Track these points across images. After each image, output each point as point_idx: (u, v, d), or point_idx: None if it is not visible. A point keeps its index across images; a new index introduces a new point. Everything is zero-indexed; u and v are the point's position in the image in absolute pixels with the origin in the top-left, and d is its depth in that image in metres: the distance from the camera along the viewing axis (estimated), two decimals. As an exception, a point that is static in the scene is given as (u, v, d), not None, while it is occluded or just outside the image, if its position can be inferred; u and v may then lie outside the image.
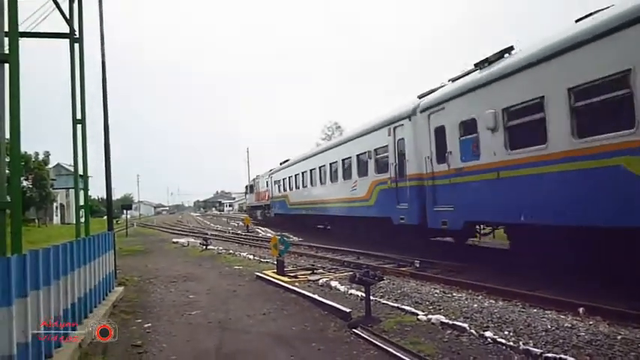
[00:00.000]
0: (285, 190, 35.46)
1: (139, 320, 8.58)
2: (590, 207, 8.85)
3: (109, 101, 13.69)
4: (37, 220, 58.13)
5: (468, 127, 12.40)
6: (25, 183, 50.43)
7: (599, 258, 9.20)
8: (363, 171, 19.93)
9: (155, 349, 6.81)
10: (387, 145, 17.35)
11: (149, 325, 8.21)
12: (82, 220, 12.70)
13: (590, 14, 9.19)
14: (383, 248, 17.32)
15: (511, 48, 11.65)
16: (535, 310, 7.95)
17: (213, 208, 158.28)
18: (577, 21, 9.58)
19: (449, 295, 9.41)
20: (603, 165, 8.43)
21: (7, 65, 7.19)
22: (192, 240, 28.68)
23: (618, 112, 8.31)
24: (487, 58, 12.08)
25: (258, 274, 13.04)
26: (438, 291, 9.94)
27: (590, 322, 7.07)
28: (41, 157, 56.89)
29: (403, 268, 13.48)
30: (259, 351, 6.67)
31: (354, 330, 7.17)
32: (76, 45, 12.10)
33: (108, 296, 10.05)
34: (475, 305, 8.38)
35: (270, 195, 41.44)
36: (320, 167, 26.38)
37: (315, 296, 9.52)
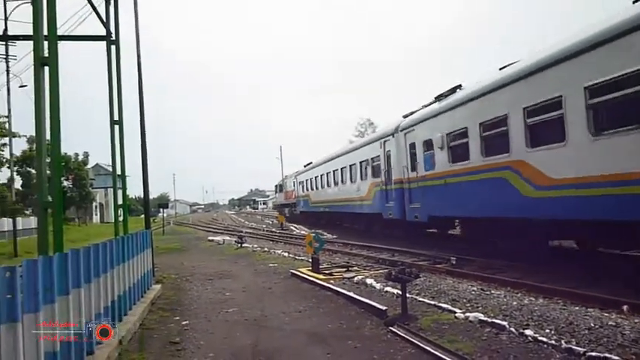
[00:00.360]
0: (307, 190, 40.04)
1: (177, 317, 8.70)
2: (494, 204, 12.83)
3: (145, 102, 13.90)
4: (77, 219, 59.70)
5: (428, 145, 16.49)
6: (65, 183, 51.82)
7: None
8: (364, 175, 24.12)
9: (193, 346, 6.89)
10: (379, 155, 21.57)
11: (186, 322, 8.32)
12: (121, 218, 12.95)
13: (510, 64, 12.60)
14: (417, 246, 17.18)
15: (459, 86, 15.44)
16: (577, 308, 7.74)
17: (248, 206, 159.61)
18: (500, 69, 12.90)
19: (487, 293, 9.26)
20: (499, 176, 12.33)
21: (47, 68, 7.36)
22: (228, 238, 28.98)
23: (502, 142, 12.19)
24: (442, 93, 16.05)
25: (293, 271, 13.07)
26: (475, 288, 9.78)
27: (636, 320, 6.84)
28: (81, 157, 58.41)
29: (439, 265, 13.33)
30: (295, 348, 6.67)
31: (390, 328, 7.11)
32: (113, 47, 12.32)
33: (146, 294, 10.22)
34: (514, 303, 8.22)
35: (296, 194, 45.81)
36: (333, 171, 30.76)
37: (351, 294, 9.48)
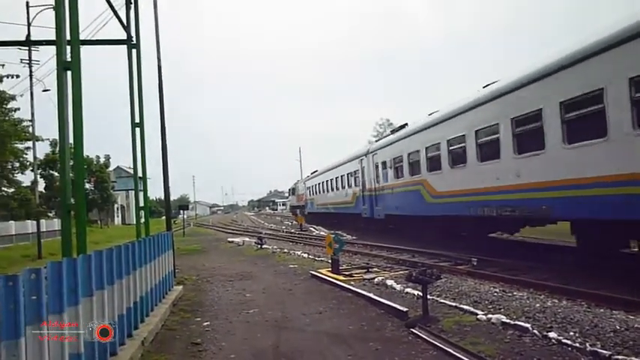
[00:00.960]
0: (313, 194, 47.65)
1: (198, 318, 8.75)
2: (414, 206, 19.83)
3: (166, 103, 14.04)
4: (99, 221, 60.43)
5: (384, 165, 23.84)
6: (87, 186, 52.52)
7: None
8: (349, 184, 31.39)
9: (214, 347, 6.92)
10: (357, 170, 28.99)
11: (207, 323, 8.36)
12: (142, 220, 13.08)
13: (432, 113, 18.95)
14: (437, 246, 17.07)
15: (406, 124, 22.31)
16: (602, 310, 7.61)
17: (267, 208, 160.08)
18: (429, 114, 19.15)
19: (509, 294, 9.15)
20: (416, 189, 19.27)
21: (69, 72, 7.46)
22: (247, 239, 29.09)
23: (417, 167, 19.34)
24: (394, 128, 24.60)
25: (312, 272, 13.08)
26: (497, 290, 9.67)
27: (663, 323, 6.70)
28: (102, 160, 59.12)
29: (460, 267, 13.22)
30: (316, 350, 6.66)
31: (411, 329, 7.07)
32: (134, 51, 12.46)
33: (168, 295, 10.29)
34: (537, 305, 8.11)
35: (305, 197, 52.93)
36: (330, 180, 38.04)
37: (371, 295, 9.44)
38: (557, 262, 12.24)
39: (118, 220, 74.71)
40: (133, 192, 13.70)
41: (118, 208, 74.58)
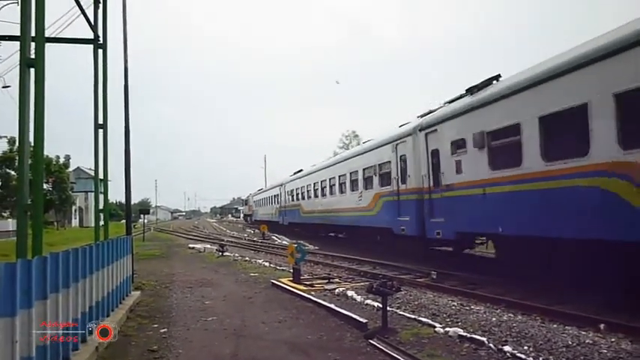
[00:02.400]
0: (255, 207, 65.71)
1: (156, 325, 8.60)
2: (296, 217, 36.60)
3: (130, 107, 13.84)
4: (55, 223, 58.84)
5: (288, 193, 37.06)
6: (45, 186, 51.13)
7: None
8: (274, 202, 44.71)
9: (171, 355, 6.81)
10: (279, 194, 39.83)
11: (165, 330, 8.23)
12: (101, 223, 12.81)
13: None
14: (400, 259, 17.22)
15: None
16: (555, 326, 7.81)
17: (230, 215, 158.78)
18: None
19: (467, 308, 9.30)
20: (296, 208, 36.06)
21: (32, 70, 7.29)
22: (209, 246, 28.82)
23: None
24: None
25: (274, 281, 13.02)
26: (455, 303, 9.82)
27: (612, 339, 6.91)
28: (62, 160, 57.69)
29: (420, 280, 13.37)
30: (275, 358, 6.64)
31: (370, 341, 7.11)
32: (100, 51, 12.25)
33: (125, 300, 10.10)
34: (493, 319, 8.27)
35: (252, 208, 70.01)
36: (266, 198, 53.02)
37: (332, 305, 9.47)
38: (518, 277, 12.46)
39: (75, 222, 72.86)
40: (93, 194, 13.41)
41: (76, 210, 72.76)
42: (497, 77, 12.80)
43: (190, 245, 30.21)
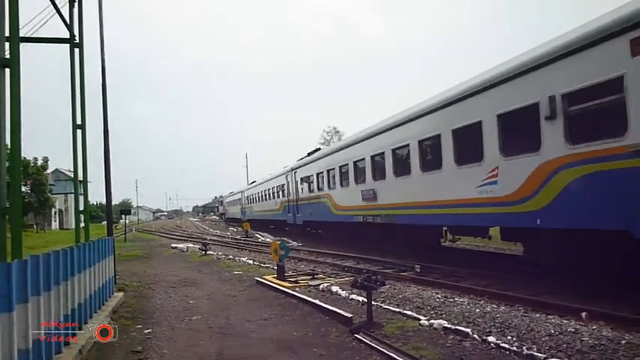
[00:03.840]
0: (229, 207, 76.36)
1: (139, 326, 8.53)
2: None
3: (109, 107, 13.66)
4: (35, 226, 58.00)
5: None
6: (23, 188, 50.36)
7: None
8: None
9: (156, 355, 6.77)
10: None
11: (149, 330, 8.16)
12: (82, 225, 12.65)
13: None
14: (383, 254, 17.30)
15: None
16: (538, 315, 7.92)
17: (212, 213, 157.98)
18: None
19: (451, 300, 9.37)
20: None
21: (7, 70, 7.17)
22: (192, 245, 28.64)
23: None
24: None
25: (258, 279, 13.00)
26: (439, 296, 9.89)
27: (594, 327, 7.02)
28: (40, 162, 56.83)
29: (404, 273, 13.44)
30: (261, 356, 6.62)
31: (356, 335, 7.13)
32: (77, 50, 12.08)
33: (107, 302, 10.00)
34: (477, 310, 8.35)
35: (225, 208, 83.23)
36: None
37: (316, 301, 9.48)
38: (500, 269, 12.60)
39: (55, 224, 71.84)
40: (73, 196, 13.23)
41: (55, 212, 71.74)
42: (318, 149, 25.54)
43: (173, 245, 30.00)
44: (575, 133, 8.99)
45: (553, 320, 7.49)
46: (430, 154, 14.29)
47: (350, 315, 8.02)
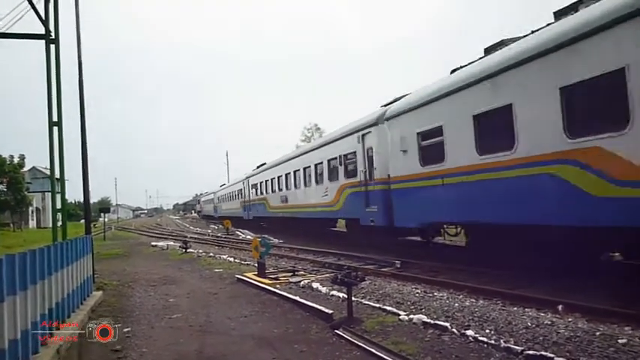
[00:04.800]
0: (207, 205, 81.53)
1: (119, 324, 8.41)
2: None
3: (86, 104, 13.48)
4: (12, 225, 57.13)
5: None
6: (-1, 187, 49.59)
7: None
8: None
9: (135, 354, 6.72)
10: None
11: (128, 329, 8.10)
12: (59, 223, 12.48)
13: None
14: (363, 249, 17.36)
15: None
16: (515, 309, 8.01)
17: (193, 211, 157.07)
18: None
19: (430, 295, 9.45)
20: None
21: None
22: (172, 243, 28.46)
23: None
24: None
25: (238, 276, 12.97)
26: (419, 291, 9.96)
27: (570, 319, 7.13)
28: (16, 160, 55.91)
29: (384, 269, 13.50)
30: (241, 354, 6.62)
31: (336, 331, 7.16)
32: (53, 46, 11.90)
33: (86, 301, 9.90)
34: (456, 304, 8.43)
35: (201, 206, 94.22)
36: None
37: (297, 298, 9.50)
38: (477, 263, 12.72)
39: (32, 223, 70.78)
40: (50, 194, 13.04)
41: (32, 211, 70.67)
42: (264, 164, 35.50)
43: (153, 243, 29.77)
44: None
45: (530, 313, 7.59)
46: (305, 176, 25.12)
47: (330, 311, 8.06)
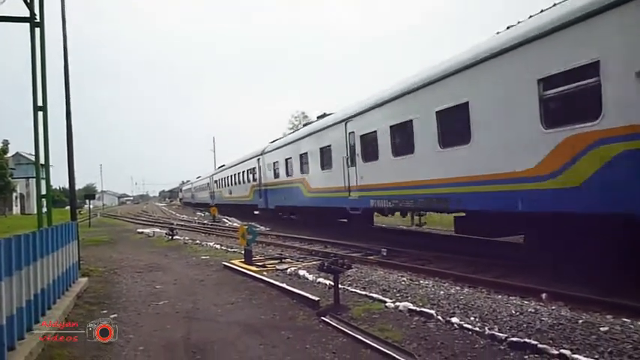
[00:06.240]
0: (186, 193, 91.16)
1: (105, 311, 8.44)
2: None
3: (72, 90, 13.31)
4: (-5, 211, 56.58)
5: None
6: (-18, 172, 49.00)
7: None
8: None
9: (122, 340, 6.70)
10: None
11: (115, 315, 8.08)
12: (44, 210, 12.36)
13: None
14: (351, 238, 17.44)
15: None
16: (500, 297, 8.13)
17: (179, 198, 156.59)
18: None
19: (416, 283, 9.52)
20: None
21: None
22: (158, 230, 28.35)
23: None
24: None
25: (225, 263, 12.97)
26: (405, 279, 10.04)
27: (553, 307, 7.24)
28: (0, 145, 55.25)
29: (371, 257, 13.59)
30: (228, 340, 6.63)
31: (322, 318, 7.20)
32: (37, 30, 11.69)
33: (72, 287, 9.85)
34: (442, 292, 8.51)
35: (183, 195, 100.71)
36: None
37: (284, 285, 9.52)
38: (463, 252, 12.85)
39: (16, 209, 70.16)
40: (34, 180, 12.88)
41: (16, 197, 70.02)
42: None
43: (139, 230, 29.66)
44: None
45: (514, 301, 7.71)
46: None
47: (317, 298, 8.10)
